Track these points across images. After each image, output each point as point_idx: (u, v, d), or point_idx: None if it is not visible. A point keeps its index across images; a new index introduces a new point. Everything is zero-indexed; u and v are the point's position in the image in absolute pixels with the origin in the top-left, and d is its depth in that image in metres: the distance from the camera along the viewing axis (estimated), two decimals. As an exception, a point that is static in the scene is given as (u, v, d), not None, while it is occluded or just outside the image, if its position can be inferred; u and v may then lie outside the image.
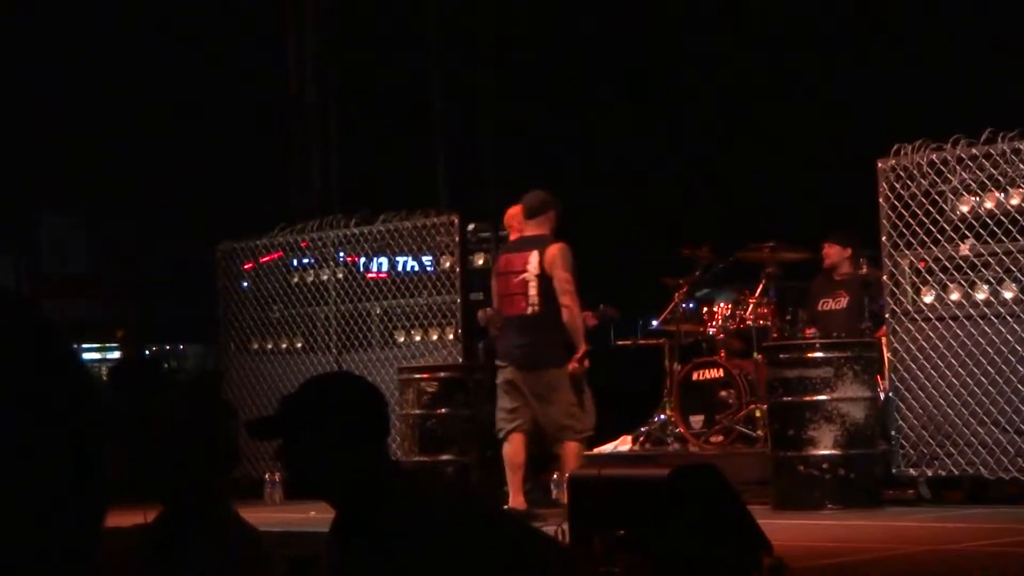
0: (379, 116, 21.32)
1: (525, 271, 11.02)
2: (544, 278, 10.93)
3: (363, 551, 3.68)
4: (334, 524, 3.82)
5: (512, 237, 11.96)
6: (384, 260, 14.69)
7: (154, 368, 19.50)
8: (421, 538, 3.59)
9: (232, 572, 4.15)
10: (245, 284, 15.78)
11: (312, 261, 15.21)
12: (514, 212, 11.86)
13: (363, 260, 14.80)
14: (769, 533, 7.52)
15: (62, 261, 25.95)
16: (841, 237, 13.39)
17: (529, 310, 11.08)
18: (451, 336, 13.92)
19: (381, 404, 3.96)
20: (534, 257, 11.00)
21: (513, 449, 11.25)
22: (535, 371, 11.12)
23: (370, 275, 14.74)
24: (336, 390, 3.97)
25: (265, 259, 15.53)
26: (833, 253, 13.36)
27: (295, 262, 15.38)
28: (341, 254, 14.95)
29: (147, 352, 20.68)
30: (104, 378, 19.03)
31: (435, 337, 14.05)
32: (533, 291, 11.00)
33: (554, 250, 10.97)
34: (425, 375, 13.24)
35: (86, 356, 22.76)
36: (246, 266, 15.77)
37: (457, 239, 13.95)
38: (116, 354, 20.89)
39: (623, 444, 13.68)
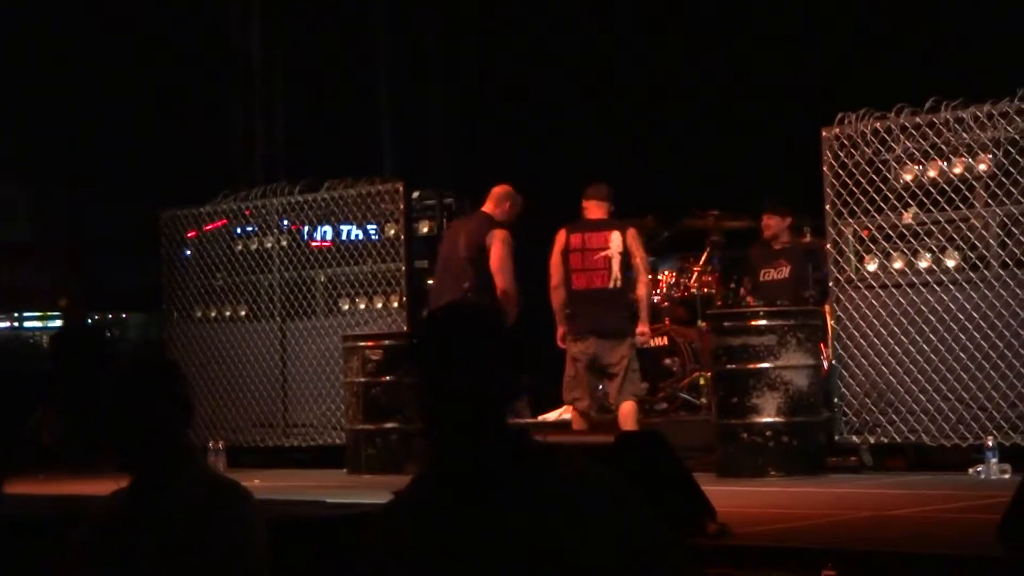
0: (323, 83, 21.21)
1: (608, 248, 11.75)
2: (625, 255, 11.72)
3: (500, 510, 3.19)
4: (446, 485, 3.31)
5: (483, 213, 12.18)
6: (328, 228, 14.64)
7: (96, 336, 19.39)
8: (587, 497, 3.19)
9: (212, 520, 4.16)
10: (188, 252, 15.70)
11: (256, 229, 15.14)
12: (502, 191, 12.01)
13: (307, 228, 14.75)
14: (713, 499, 7.55)
15: (4, 228, 25.74)
16: (780, 207, 13.42)
17: (612, 284, 11.75)
18: (395, 304, 13.91)
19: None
20: (616, 236, 11.78)
21: (579, 422, 11.87)
22: (615, 340, 11.75)
23: (314, 243, 14.69)
24: (483, 320, 3.41)
25: (209, 227, 15.45)
26: (773, 224, 13.39)
27: (239, 230, 15.30)
28: (285, 222, 14.89)
29: (89, 320, 20.54)
30: (46, 346, 18.92)
31: (380, 305, 14.03)
32: (616, 267, 11.74)
33: (634, 231, 11.94)
34: (370, 343, 13.23)
35: (28, 324, 22.61)
36: (189, 234, 15.68)
37: (402, 206, 13.92)
38: (58, 322, 20.75)
39: (567, 412, 13.70)
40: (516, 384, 3.37)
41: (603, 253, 11.79)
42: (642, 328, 11.82)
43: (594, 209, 12.00)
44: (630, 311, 11.86)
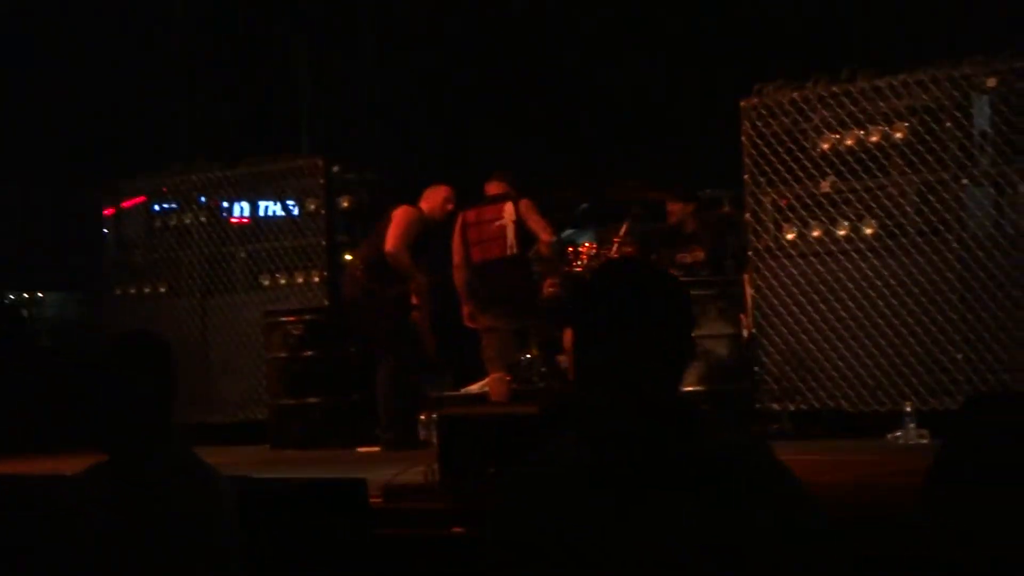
0: (242, 60, 21.07)
1: (501, 218, 12.06)
2: (519, 224, 11.99)
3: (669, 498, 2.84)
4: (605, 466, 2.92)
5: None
6: (245, 204, 14.58)
7: (13, 317, 19.18)
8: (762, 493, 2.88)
9: (187, 503, 4.12)
10: (106, 230, 15.59)
11: (175, 206, 15.05)
12: (434, 190, 12.57)
13: (225, 204, 14.68)
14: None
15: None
16: (681, 193, 13.46)
17: (508, 252, 12.04)
18: (316, 279, 13.88)
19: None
20: (509, 207, 12.07)
21: (500, 393, 12.09)
22: (521, 305, 12.09)
23: (233, 220, 14.63)
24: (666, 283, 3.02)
25: (127, 204, 15.34)
26: (676, 210, 13.43)
27: (157, 207, 15.21)
28: (203, 198, 14.81)
29: (4, 301, 20.30)
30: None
31: (300, 280, 14.00)
32: (510, 235, 12.03)
33: (527, 201, 12.17)
34: (291, 318, 13.20)
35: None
36: (107, 211, 15.57)
37: (322, 181, 13.90)
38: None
39: (488, 384, 13.74)
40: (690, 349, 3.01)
41: (497, 223, 12.07)
42: (550, 281, 12.19)
43: (492, 188, 12.37)
44: (531, 276, 12.22)
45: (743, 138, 11.61)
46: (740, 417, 11.32)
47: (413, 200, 12.61)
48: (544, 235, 12.13)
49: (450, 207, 12.48)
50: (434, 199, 12.53)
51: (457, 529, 7.33)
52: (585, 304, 2.98)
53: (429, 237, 12.49)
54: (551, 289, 12.23)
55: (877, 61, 11.19)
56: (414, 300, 12.44)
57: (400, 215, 12.37)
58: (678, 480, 2.87)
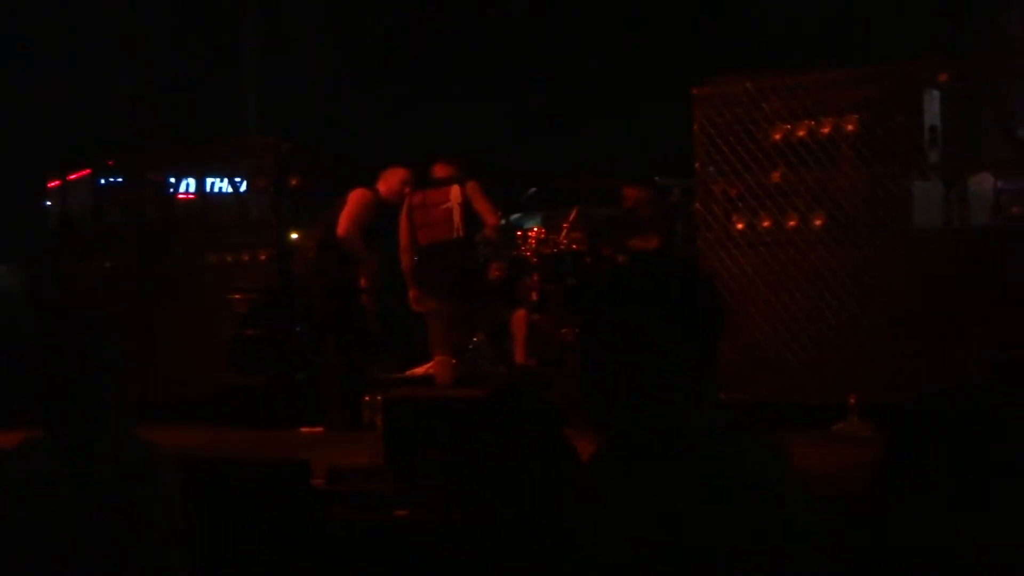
0: (190, 38, 20.97)
1: (448, 201, 12.08)
2: (466, 206, 12.03)
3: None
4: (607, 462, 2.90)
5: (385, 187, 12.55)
6: (192, 180, 14.49)
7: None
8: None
9: (131, 486, 4.04)
10: (49, 203, 15.47)
11: (121, 180, 14.94)
12: (392, 172, 12.57)
13: (172, 180, 14.59)
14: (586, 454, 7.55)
15: None
16: (639, 179, 13.48)
17: (454, 235, 12.06)
18: (263, 257, 13.80)
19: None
20: (455, 189, 12.09)
21: (445, 376, 12.16)
22: (467, 292, 12.11)
23: (180, 196, 14.54)
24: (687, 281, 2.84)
25: (73, 177, 15.22)
26: (632, 194, 13.45)
27: (103, 180, 15.09)
28: (150, 174, 14.71)
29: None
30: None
31: (247, 258, 13.92)
32: (457, 218, 12.06)
33: (475, 183, 12.18)
34: (236, 296, 13.13)
35: None
36: (52, 184, 15.45)
37: (271, 159, 13.83)
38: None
39: (434, 368, 13.73)
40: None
41: (444, 206, 12.11)
42: (496, 264, 12.24)
43: (439, 170, 12.36)
44: (477, 259, 12.22)
45: (696, 127, 11.60)
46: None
47: (369, 182, 12.56)
48: (490, 218, 12.13)
49: (407, 190, 12.43)
50: (391, 181, 12.50)
51: (400, 512, 7.31)
52: (586, 308, 2.87)
53: (385, 219, 12.46)
54: (497, 273, 12.24)
55: (832, 53, 11.21)
56: (363, 283, 12.42)
57: (354, 198, 12.35)
58: (680, 482, 2.79)
